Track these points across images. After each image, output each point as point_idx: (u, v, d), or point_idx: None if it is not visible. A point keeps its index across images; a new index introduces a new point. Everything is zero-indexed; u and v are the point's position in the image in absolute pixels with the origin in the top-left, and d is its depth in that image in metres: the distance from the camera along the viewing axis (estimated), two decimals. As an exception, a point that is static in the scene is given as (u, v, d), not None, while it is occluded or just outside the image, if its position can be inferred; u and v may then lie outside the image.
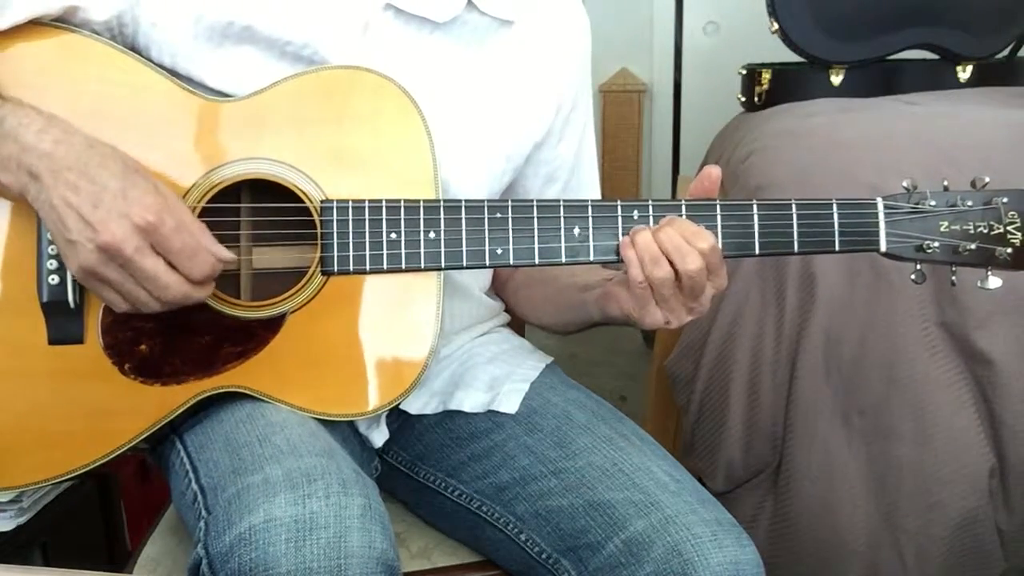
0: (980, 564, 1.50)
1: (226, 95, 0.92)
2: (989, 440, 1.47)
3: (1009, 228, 0.89)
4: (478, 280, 1.11)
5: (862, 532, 1.49)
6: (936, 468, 1.46)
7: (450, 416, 1.03)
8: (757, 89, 2.14)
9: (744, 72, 2.23)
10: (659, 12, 3.60)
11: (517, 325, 1.25)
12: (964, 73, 2.10)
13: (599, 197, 1.15)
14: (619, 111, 3.80)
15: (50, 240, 0.86)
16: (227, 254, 0.85)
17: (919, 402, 1.47)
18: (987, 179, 0.89)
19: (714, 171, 0.91)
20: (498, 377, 1.04)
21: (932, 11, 2.04)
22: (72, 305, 0.87)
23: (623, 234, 0.89)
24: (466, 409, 1.02)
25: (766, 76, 2.12)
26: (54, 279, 0.86)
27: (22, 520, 1.26)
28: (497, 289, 1.19)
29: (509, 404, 1.01)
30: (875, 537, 1.49)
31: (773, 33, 2.08)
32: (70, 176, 0.80)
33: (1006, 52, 2.17)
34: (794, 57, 2.12)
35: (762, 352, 1.54)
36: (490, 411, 1.01)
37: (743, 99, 2.24)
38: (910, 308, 1.47)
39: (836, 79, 2.07)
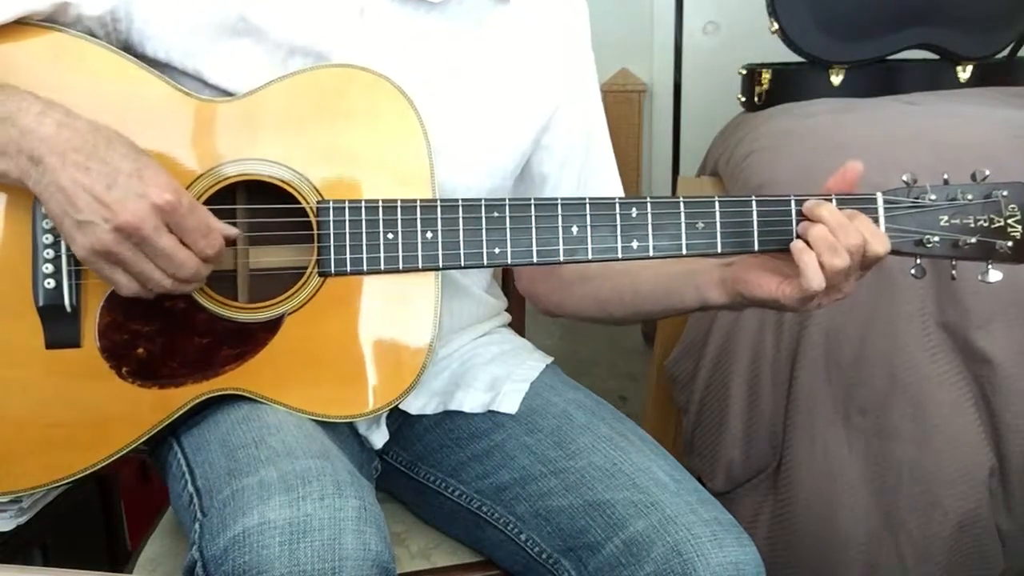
0: (980, 564, 1.50)
1: (223, 89, 0.92)
2: (989, 440, 1.47)
3: (1009, 221, 0.88)
4: (478, 279, 1.11)
5: (862, 532, 1.49)
6: (936, 468, 1.46)
7: (450, 416, 1.03)
8: (757, 89, 2.15)
9: (744, 72, 2.23)
10: (659, 12, 3.60)
11: (517, 325, 1.25)
12: (964, 73, 2.10)
13: (617, 181, 1.13)
14: (619, 111, 3.80)
15: (46, 243, 0.86)
16: (232, 230, 0.86)
17: (919, 402, 1.47)
18: (987, 172, 0.88)
19: (858, 166, 0.90)
20: (498, 377, 1.04)
21: (932, 11, 2.05)
22: (68, 309, 0.87)
23: (620, 232, 0.89)
24: (466, 409, 1.02)
25: (766, 76, 2.12)
26: (50, 283, 0.86)
27: (22, 520, 1.26)
28: (528, 284, 1.17)
29: (509, 404, 1.00)
30: (875, 537, 1.49)
31: (773, 33, 2.08)
32: (78, 157, 0.80)
33: (1006, 52, 2.17)
34: (794, 57, 2.12)
35: (762, 352, 1.54)
36: (490, 411, 1.01)
37: (743, 99, 2.24)
38: (910, 308, 1.47)
39: (836, 79, 2.07)
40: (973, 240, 0.89)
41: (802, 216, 0.89)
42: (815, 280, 0.85)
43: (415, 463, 1.05)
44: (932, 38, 2.07)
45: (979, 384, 1.47)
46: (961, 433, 1.47)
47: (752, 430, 1.55)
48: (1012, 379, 1.45)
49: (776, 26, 2.06)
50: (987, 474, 1.47)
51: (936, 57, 2.12)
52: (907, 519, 1.47)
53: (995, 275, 0.90)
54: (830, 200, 0.89)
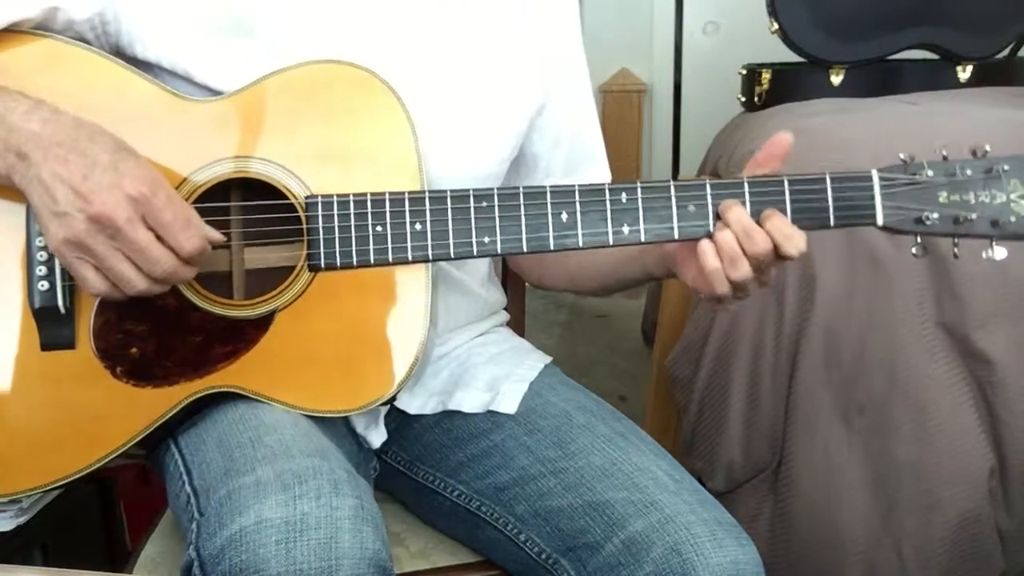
0: (980, 564, 1.50)
1: (211, 89, 0.92)
2: (989, 440, 1.47)
3: (1012, 196, 0.86)
4: (475, 275, 1.11)
5: (862, 532, 1.49)
6: (936, 468, 1.46)
7: (449, 416, 1.03)
8: (757, 89, 2.14)
9: (744, 72, 2.23)
10: (659, 12, 3.60)
11: (517, 325, 1.25)
12: (964, 73, 2.10)
13: (605, 162, 1.14)
14: (619, 111, 3.80)
15: (40, 246, 0.86)
16: (216, 234, 0.85)
17: (919, 402, 1.47)
18: (987, 147, 0.86)
19: (786, 136, 0.89)
20: (497, 377, 1.04)
21: (932, 11, 2.04)
22: (63, 310, 0.87)
23: (611, 217, 0.89)
24: (465, 409, 1.02)
25: (766, 76, 2.12)
26: (44, 285, 0.87)
27: (22, 520, 1.26)
28: (515, 257, 1.19)
29: (508, 404, 1.00)
30: (875, 537, 1.49)
31: (773, 33, 2.08)
32: (59, 151, 0.80)
33: (1006, 52, 2.17)
34: (794, 57, 2.12)
35: (762, 352, 1.53)
36: (489, 411, 1.01)
37: (743, 99, 2.24)
38: (910, 308, 1.47)
39: (836, 79, 2.07)
40: (974, 216, 0.86)
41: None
42: (720, 289, 0.86)
43: (414, 463, 1.05)
44: (932, 38, 2.07)
45: (979, 384, 1.47)
46: (961, 433, 1.47)
47: (752, 430, 1.55)
48: (1012, 379, 1.45)
49: (776, 26, 2.06)
50: (987, 474, 1.47)
51: (936, 57, 2.12)
52: (907, 519, 1.47)
53: (1000, 252, 0.87)
54: (781, 181, 0.88)
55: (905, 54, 2.12)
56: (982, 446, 1.47)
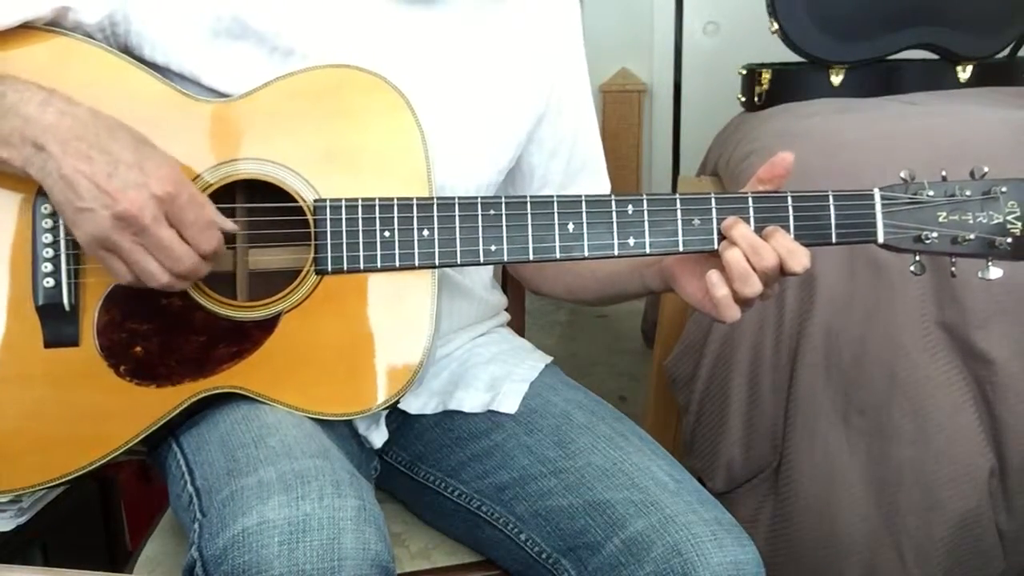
0: (980, 564, 1.50)
1: (219, 92, 0.92)
2: (989, 440, 1.48)
3: (1009, 218, 0.88)
4: (479, 280, 1.11)
5: (862, 532, 1.49)
6: (936, 468, 1.47)
7: (450, 416, 1.03)
8: (757, 89, 2.15)
9: (744, 72, 2.23)
10: (659, 12, 3.61)
11: (517, 325, 1.25)
12: (964, 73, 2.10)
13: (604, 173, 1.15)
14: (619, 111, 3.81)
15: (45, 243, 0.86)
16: (231, 224, 0.86)
17: (919, 402, 1.47)
18: (986, 169, 0.88)
19: (788, 156, 0.90)
20: (498, 377, 1.04)
21: (932, 11, 2.05)
22: (67, 308, 0.87)
23: (617, 229, 0.89)
24: (466, 409, 1.02)
25: (766, 76, 2.12)
26: (49, 282, 0.87)
27: (22, 520, 1.26)
28: (516, 266, 1.19)
29: (509, 404, 1.00)
30: (875, 537, 1.49)
31: (773, 33, 2.08)
32: (80, 146, 0.80)
33: (1006, 52, 2.17)
34: (794, 57, 2.12)
35: (762, 352, 1.54)
36: (490, 411, 1.01)
37: (743, 99, 2.24)
38: (910, 308, 1.47)
39: (836, 79, 2.07)
40: (972, 236, 0.88)
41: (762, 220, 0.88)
42: (730, 314, 0.87)
43: (415, 463, 1.05)
44: (932, 38, 2.07)
45: (979, 384, 1.47)
46: (961, 433, 1.47)
47: (752, 430, 1.55)
48: (1012, 379, 1.45)
49: (776, 26, 2.06)
50: (987, 474, 1.47)
51: (936, 57, 2.12)
52: (907, 519, 1.47)
53: (995, 272, 0.89)
54: (784, 198, 0.89)
55: (905, 54, 2.12)
56: (982, 446, 1.47)
